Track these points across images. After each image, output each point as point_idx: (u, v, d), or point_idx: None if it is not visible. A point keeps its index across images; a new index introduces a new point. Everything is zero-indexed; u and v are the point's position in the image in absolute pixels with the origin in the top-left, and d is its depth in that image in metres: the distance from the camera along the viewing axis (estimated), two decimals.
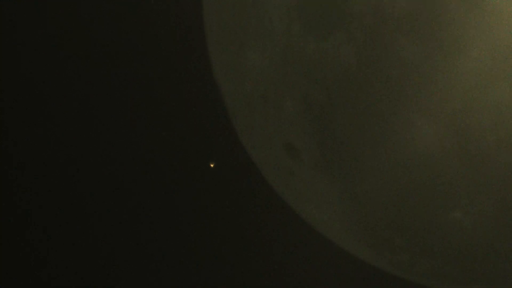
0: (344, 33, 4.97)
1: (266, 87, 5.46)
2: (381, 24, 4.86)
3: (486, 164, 4.99)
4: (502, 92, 4.76)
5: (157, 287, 7.22)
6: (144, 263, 7.21)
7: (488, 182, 5.06)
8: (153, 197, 7.15)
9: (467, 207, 5.20)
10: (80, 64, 7.13)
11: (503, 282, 5.75)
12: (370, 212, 5.46)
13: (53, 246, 7.32)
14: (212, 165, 6.39)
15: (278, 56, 5.29)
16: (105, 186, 7.20)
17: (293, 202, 6.09)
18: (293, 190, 5.88)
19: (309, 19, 5.08)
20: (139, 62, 7.07)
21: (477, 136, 4.91)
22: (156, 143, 7.10)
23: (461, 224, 5.28)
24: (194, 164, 7.04)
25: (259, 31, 5.34)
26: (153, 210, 7.16)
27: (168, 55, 7.05)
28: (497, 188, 5.07)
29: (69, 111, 7.19)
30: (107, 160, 7.17)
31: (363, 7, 4.89)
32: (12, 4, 6.97)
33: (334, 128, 5.22)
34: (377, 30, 4.88)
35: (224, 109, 6.05)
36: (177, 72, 7.03)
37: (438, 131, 4.97)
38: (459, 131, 4.93)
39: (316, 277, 6.91)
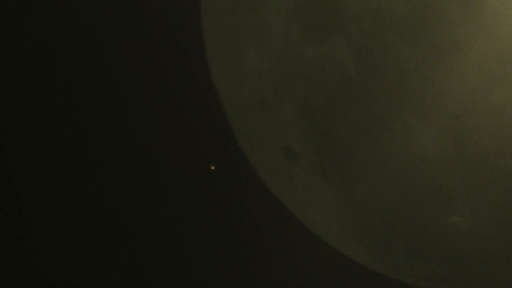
0: (342, 36, 4.98)
1: (264, 91, 5.46)
2: (380, 27, 4.86)
3: (485, 168, 4.99)
4: (500, 95, 4.77)
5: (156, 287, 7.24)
6: (143, 264, 7.21)
7: (486, 186, 5.06)
8: (153, 199, 7.16)
9: (465, 210, 5.20)
10: (80, 65, 7.14)
11: (499, 286, 5.75)
12: (368, 215, 5.46)
13: (53, 246, 7.32)
14: (212, 168, 6.40)
15: (277, 60, 5.29)
16: (104, 188, 7.21)
17: (291, 205, 6.09)
18: (291, 194, 5.88)
19: (307, 23, 5.09)
20: (138, 65, 7.08)
21: (475, 139, 4.91)
22: (155, 147, 7.10)
23: (458, 228, 5.28)
24: (193, 168, 7.05)
25: (258, 34, 5.34)
26: (152, 212, 7.17)
27: (167, 59, 7.06)
28: (495, 192, 5.07)
29: (68, 112, 7.19)
30: (106, 162, 7.17)
31: (361, 11, 4.90)
32: (12, 4, 6.99)
33: (332, 131, 5.22)
34: (376, 34, 4.88)
35: (222, 113, 6.06)
36: (176, 76, 7.04)
37: (437, 135, 4.97)
38: (458, 135, 4.93)
39: (314, 280, 6.91)
